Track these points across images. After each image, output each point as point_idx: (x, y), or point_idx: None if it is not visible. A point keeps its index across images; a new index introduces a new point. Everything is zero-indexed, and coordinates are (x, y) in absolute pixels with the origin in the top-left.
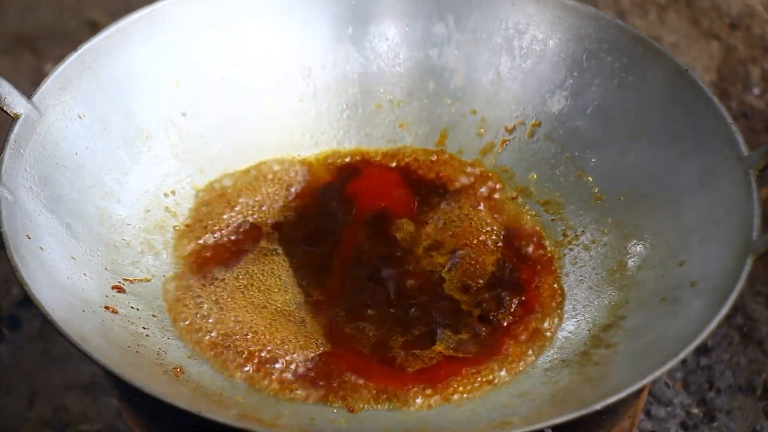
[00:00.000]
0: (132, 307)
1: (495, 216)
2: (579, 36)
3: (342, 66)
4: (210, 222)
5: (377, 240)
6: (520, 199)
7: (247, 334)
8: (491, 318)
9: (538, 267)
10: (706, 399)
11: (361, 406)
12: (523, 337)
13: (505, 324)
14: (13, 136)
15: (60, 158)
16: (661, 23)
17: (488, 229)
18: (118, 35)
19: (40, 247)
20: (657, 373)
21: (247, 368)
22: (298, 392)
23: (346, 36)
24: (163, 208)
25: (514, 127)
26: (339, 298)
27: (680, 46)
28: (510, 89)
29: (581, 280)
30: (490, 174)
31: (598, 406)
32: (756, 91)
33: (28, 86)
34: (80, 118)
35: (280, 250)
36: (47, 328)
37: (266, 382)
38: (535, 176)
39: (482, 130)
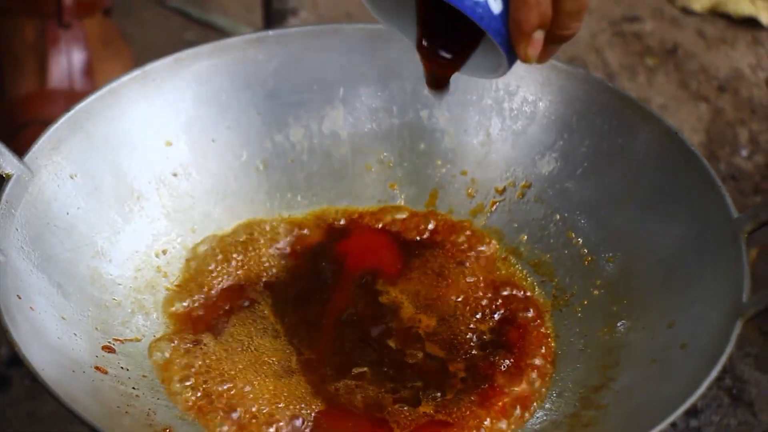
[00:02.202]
0: (122, 368)
1: (485, 277)
2: (569, 98)
3: (332, 127)
4: (201, 282)
5: (366, 300)
6: (510, 260)
7: (238, 394)
8: (480, 379)
9: (528, 328)
10: None
11: None
12: (512, 399)
13: (494, 385)
14: (4, 197)
15: (51, 218)
16: (649, 85)
17: (477, 290)
18: (110, 96)
19: (31, 307)
20: None
21: (238, 429)
22: None
23: (337, 97)
24: (154, 268)
25: (505, 189)
26: (329, 357)
27: (669, 108)
28: (500, 150)
29: (571, 341)
30: (481, 235)
31: None
32: (744, 153)
33: None
34: (72, 178)
35: (270, 310)
36: (36, 387)
37: None
38: (525, 237)
39: (472, 191)
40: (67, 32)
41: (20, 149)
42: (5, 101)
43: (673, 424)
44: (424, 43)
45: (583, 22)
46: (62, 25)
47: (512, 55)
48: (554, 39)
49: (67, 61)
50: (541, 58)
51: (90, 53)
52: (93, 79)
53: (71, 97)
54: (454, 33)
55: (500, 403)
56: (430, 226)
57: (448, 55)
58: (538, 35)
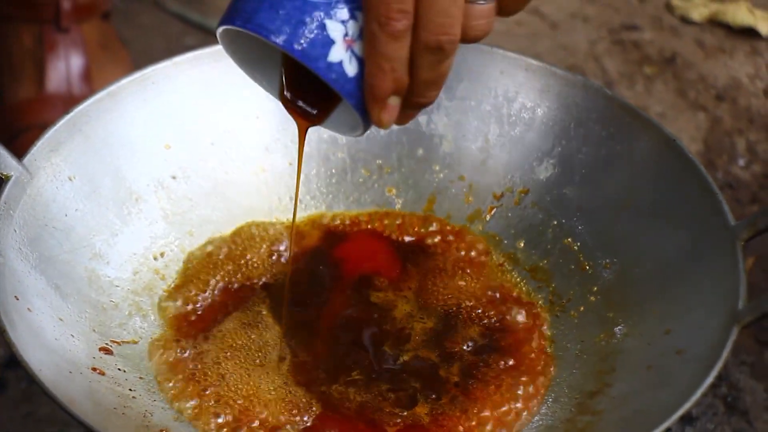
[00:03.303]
0: (119, 369)
1: (481, 282)
2: (567, 105)
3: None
4: (198, 284)
5: (363, 304)
6: (507, 266)
7: (235, 397)
8: (474, 384)
9: (524, 333)
10: None
11: None
12: (507, 404)
13: (489, 390)
14: (3, 198)
15: (50, 220)
16: (648, 94)
17: (474, 295)
18: (109, 99)
19: (28, 308)
20: None
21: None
22: None
23: None
24: (152, 270)
25: (502, 194)
26: (325, 360)
27: (667, 116)
28: (498, 156)
29: (567, 346)
30: (478, 240)
31: None
32: (741, 162)
33: None
34: (70, 180)
35: (268, 313)
36: (33, 389)
37: None
38: (523, 243)
39: (470, 197)
40: (65, 37)
41: (19, 155)
42: (4, 107)
43: (669, 431)
44: (287, 95)
45: (581, 31)
46: (60, 30)
47: (367, 118)
48: (411, 105)
49: (66, 65)
50: (399, 122)
51: (88, 58)
52: (91, 83)
53: (69, 102)
54: (318, 88)
55: (495, 408)
56: (428, 232)
57: (310, 110)
58: (393, 101)
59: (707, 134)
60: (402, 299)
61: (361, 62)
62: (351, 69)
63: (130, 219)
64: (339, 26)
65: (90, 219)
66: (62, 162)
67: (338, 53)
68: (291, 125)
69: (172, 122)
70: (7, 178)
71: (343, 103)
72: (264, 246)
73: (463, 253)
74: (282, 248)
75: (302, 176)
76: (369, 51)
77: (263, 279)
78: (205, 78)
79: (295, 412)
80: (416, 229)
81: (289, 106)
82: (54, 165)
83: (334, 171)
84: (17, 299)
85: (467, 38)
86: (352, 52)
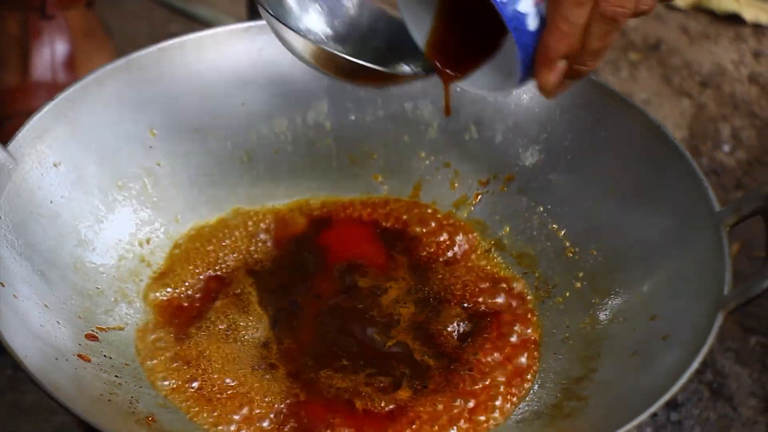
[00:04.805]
0: (105, 356)
1: (467, 268)
2: None
3: (317, 117)
4: (184, 271)
5: (348, 291)
6: (493, 252)
7: (220, 383)
8: (460, 370)
9: (510, 319)
10: None
11: None
12: (494, 389)
13: (475, 375)
14: None
15: (35, 206)
16: (633, 80)
17: (459, 281)
18: (94, 85)
19: (14, 295)
20: (627, 427)
21: (218, 417)
22: None
23: (322, 88)
24: (138, 257)
25: (488, 181)
26: (311, 347)
27: (652, 103)
28: (484, 143)
29: (553, 332)
30: (464, 226)
31: None
32: (726, 148)
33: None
34: (55, 166)
35: (253, 299)
36: (18, 377)
37: (239, 431)
38: (509, 229)
39: (456, 183)
40: (50, 24)
41: (3, 142)
42: None
43: (654, 416)
44: (434, 49)
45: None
46: (46, 17)
47: (526, 75)
48: (572, 72)
49: (51, 53)
50: (555, 89)
51: (73, 45)
52: (75, 71)
53: (54, 90)
54: (464, 48)
55: (481, 394)
56: (414, 218)
57: (450, 72)
58: (562, 64)
59: (692, 120)
60: (388, 285)
61: (542, 21)
62: (532, 24)
63: (116, 206)
64: None
65: (75, 206)
66: (47, 149)
67: (526, 6)
68: (276, 111)
69: (157, 109)
70: None
71: (488, 65)
72: (250, 233)
73: (448, 239)
74: (268, 235)
75: (287, 163)
76: (552, 12)
77: (249, 266)
78: (191, 65)
79: (281, 398)
80: (402, 216)
81: (434, 60)
82: (39, 152)
83: (319, 157)
84: (3, 286)
85: (636, 12)
86: (538, 9)
